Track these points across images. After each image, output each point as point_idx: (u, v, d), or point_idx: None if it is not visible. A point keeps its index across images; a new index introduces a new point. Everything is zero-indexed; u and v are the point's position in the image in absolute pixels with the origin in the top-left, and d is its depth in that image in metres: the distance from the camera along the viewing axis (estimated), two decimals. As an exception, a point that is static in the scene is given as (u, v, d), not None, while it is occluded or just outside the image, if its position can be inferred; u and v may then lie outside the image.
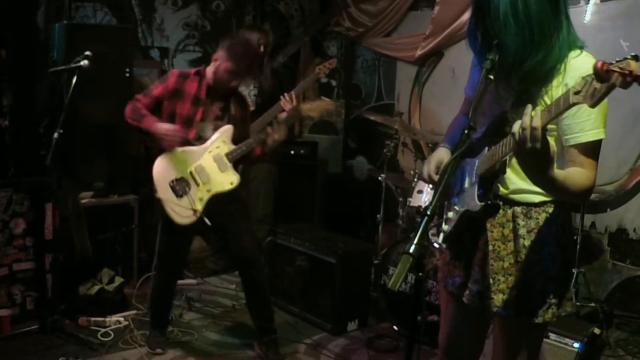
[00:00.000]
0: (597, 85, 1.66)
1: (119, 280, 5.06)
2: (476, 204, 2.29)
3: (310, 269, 5.03)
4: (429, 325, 4.42)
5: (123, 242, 5.44)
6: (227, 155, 4.10)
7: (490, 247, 2.41)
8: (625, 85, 1.61)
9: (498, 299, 2.38)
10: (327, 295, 4.90)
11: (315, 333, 4.88)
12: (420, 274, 2.11)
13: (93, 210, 5.24)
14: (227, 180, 4.11)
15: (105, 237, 5.29)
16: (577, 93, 1.73)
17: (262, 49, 5.48)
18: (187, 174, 4.11)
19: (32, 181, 4.68)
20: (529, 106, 1.90)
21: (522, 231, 2.36)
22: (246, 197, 4.48)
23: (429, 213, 1.86)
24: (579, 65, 2.15)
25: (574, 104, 1.76)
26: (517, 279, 2.36)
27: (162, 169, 4.12)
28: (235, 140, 4.16)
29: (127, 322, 4.74)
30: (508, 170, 2.33)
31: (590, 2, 5.16)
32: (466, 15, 5.92)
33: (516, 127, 1.90)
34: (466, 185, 2.41)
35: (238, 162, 4.20)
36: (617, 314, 4.98)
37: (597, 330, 3.97)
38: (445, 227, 2.54)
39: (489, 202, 2.27)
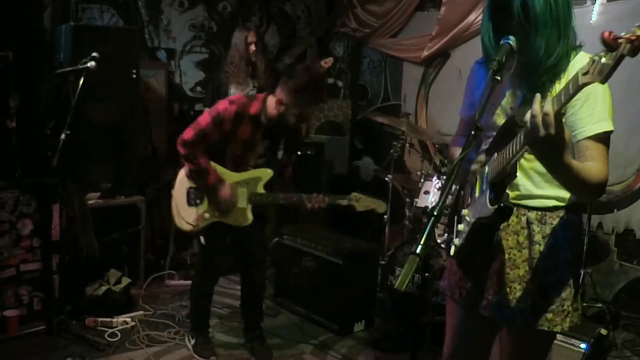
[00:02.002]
0: (605, 60, 1.66)
1: (125, 280, 5.07)
2: (488, 209, 2.25)
3: (316, 270, 5.02)
4: (435, 326, 4.42)
5: (130, 242, 5.45)
6: (250, 195, 4.04)
7: (507, 256, 2.40)
8: (633, 52, 1.62)
9: (515, 308, 2.37)
10: (334, 295, 4.90)
11: (322, 334, 4.87)
12: (426, 274, 2.10)
13: (100, 211, 5.25)
14: (238, 217, 4.07)
15: (112, 237, 5.30)
16: (585, 74, 1.73)
17: (253, 47, 5.49)
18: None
19: (39, 182, 4.69)
20: (538, 95, 1.90)
21: (537, 237, 2.35)
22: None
23: (435, 214, 1.85)
24: (581, 62, 2.15)
25: (584, 84, 1.74)
26: (533, 287, 2.35)
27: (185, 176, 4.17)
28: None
29: (134, 323, 4.75)
30: (520, 175, 2.32)
31: (596, 2, 5.15)
32: (472, 16, 5.92)
33: (527, 116, 1.90)
34: (477, 195, 2.39)
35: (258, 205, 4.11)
36: (624, 314, 4.95)
37: (603, 331, 3.96)
38: (456, 240, 2.50)
39: (502, 204, 2.21)
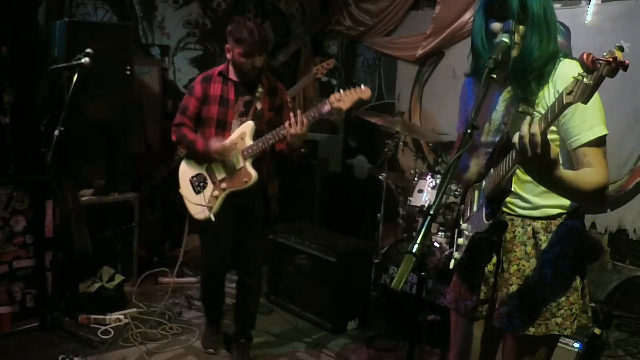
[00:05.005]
0: (586, 81, 1.71)
1: (119, 278, 5.06)
2: (484, 223, 2.29)
3: (310, 268, 5.02)
4: (428, 325, 4.42)
5: (123, 240, 5.45)
6: (242, 152, 4.04)
7: (515, 267, 2.42)
8: (611, 73, 1.68)
9: (526, 317, 2.39)
10: (327, 294, 4.90)
11: (315, 332, 4.88)
12: (422, 273, 2.11)
13: (93, 208, 5.23)
14: (241, 177, 4.06)
15: (105, 235, 5.29)
16: (569, 93, 1.78)
17: None
18: (204, 171, 4.17)
19: (33, 179, 4.69)
20: (528, 117, 1.95)
21: (544, 246, 2.37)
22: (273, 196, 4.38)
23: (432, 213, 1.86)
24: (566, 70, 2.24)
25: (568, 104, 1.79)
26: (543, 295, 2.37)
27: (185, 166, 4.26)
28: (264, 131, 4.05)
29: (127, 320, 4.74)
30: (520, 190, 2.39)
31: (591, 2, 5.16)
32: (467, 15, 5.93)
33: (516, 137, 1.92)
34: (474, 209, 2.42)
35: (259, 159, 4.09)
36: (617, 314, 4.97)
37: (597, 331, 3.98)
38: (456, 254, 2.53)
39: (496, 219, 2.27)
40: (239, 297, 4.48)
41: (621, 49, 1.68)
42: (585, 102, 1.75)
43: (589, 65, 1.70)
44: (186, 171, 4.24)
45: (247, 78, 4.05)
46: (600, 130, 2.19)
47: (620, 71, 1.66)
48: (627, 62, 1.67)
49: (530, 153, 1.87)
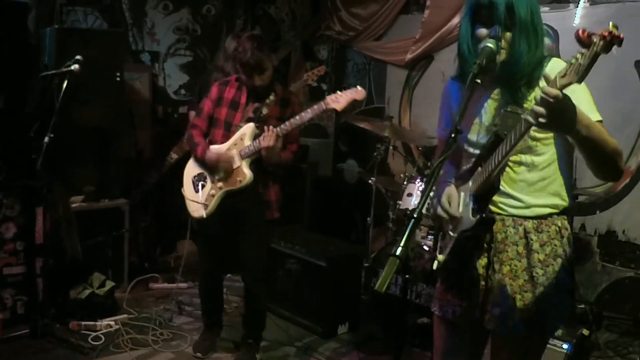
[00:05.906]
0: (581, 61, 1.74)
1: (109, 284, 5.06)
2: (470, 220, 2.31)
3: (300, 272, 5.03)
4: (419, 328, 4.43)
5: (114, 246, 5.44)
6: (240, 152, 4.07)
7: (507, 268, 2.40)
8: (606, 48, 1.70)
9: (520, 318, 2.37)
10: (318, 298, 4.91)
11: (306, 336, 4.88)
12: (407, 276, 2.11)
13: (84, 214, 5.23)
14: (236, 177, 4.09)
15: (96, 241, 5.28)
16: (563, 76, 1.80)
17: None
18: (205, 169, 4.22)
19: (23, 185, 4.68)
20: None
21: (535, 246, 2.37)
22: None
23: (415, 216, 1.87)
24: (556, 68, 2.15)
25: (563, 86, 1.81)
26: (534, 295, 2.36)
27: (190, 166, 4.34)
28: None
29: (117, 326, 4.74)
30: (512, 190, 2.39)
31: (579, 5, 5.19)
32: (456, 19, 5.95)
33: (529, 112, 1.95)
34: (460, 209, 2.42)
35: (256, 160, 4.08)
36: (607, 315, 5.00)
37: (586, 332, 4.00)
38: (440, 256, 2.51)
39: (483, 215, 2.28)
40: (244, 300, 4.55)
41: (616, 26, 1.71)
42: (580, 81, 1.77)
43: (584, 40, 1.72)
44: (190, 171, 4.33)
45: (256, 87, 4.12)
46: (596, 117, 2.22)
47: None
48: (621, 35, 1.69)
49: (553, 93, 1.85)
